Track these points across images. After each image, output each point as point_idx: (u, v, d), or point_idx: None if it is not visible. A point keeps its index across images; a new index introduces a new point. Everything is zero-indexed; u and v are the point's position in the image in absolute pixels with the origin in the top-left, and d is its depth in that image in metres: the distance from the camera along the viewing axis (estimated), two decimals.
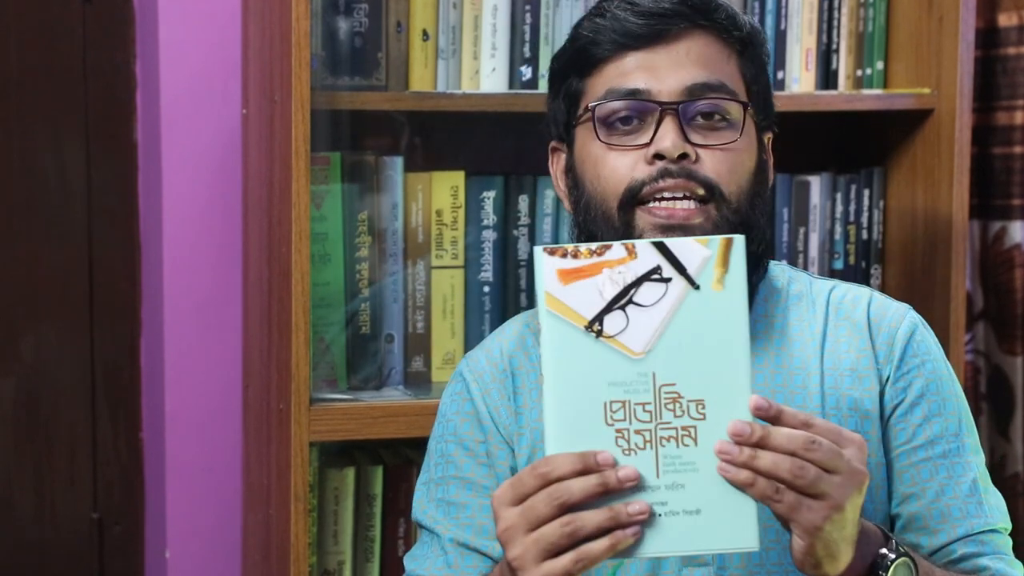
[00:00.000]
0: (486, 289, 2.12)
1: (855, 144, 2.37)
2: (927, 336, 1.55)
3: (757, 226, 1.48)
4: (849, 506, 1.23)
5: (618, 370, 1.23)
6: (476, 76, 2.07)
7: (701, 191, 1.45)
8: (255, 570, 2.19)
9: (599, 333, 1.24)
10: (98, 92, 2.35)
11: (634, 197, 1.45)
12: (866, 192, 2.28)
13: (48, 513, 2.39)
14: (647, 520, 1.22)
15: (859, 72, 2.27)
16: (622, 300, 1.24)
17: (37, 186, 2.35)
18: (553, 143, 1.58)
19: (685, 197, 1.44)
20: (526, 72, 2.08)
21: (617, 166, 1.46)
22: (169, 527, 2.30)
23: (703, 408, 1.23)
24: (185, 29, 2.23)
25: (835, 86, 2.25)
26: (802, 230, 2.25)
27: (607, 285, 1.24)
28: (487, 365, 1.57)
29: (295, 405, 1.92)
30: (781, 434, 1.21)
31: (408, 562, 1.57)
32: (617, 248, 1.24)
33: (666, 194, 1.44)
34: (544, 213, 2.12)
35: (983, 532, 1.48)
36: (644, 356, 1.23)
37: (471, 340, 2.09)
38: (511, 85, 2.08)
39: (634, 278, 1.24)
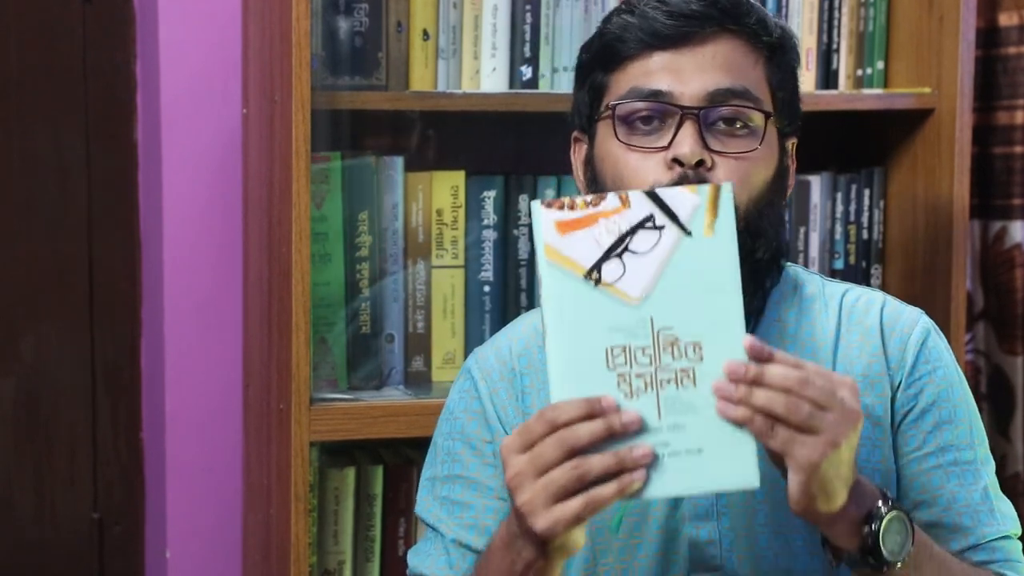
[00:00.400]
0: (486, 289, 2.12)
1: (855, 144, 2.37)
2: (939, 342, 1.55)
3: (764, 235, 1.47)
4: (844, 444, 1.24)
5: (617, 316, 1.26)
6: (476, 76, 2.07)
7: None
8: (255, 570, 2.19)
9: (598, 281, 1.26)
10: (98, 92, 2.35)
11: None
12: (866, 192, 2.28)
13: (48, 513, 2.39)
14: (651, 462, 1.24)
15: (859, 72, 2.27)
16: (618, 248, 1.27)
17: (37, 186, 2.35)
18: (576, 133, 1.57)
19: None
20: (526, 72, 2.08)
21: (638, 168, 1.45)
22: (169, 527, 2.30)
23: (700, 350, 1.25)
24: (185, 29, 2.23)
25: (835, 86, 2.25)
26: (802, 230, 2.25)
27: (603, 234, 1.27)
28: (496, 363, 1.57)
29: (295, 405, 1.92)
30: (775, 372, 1.24)
31: (411, 557, 1.57)
32: (611, 199, 1.27)
33: None
34: None
35: (994, 540, 1.48)
36: (642, 301, 1.26)
37: (471, 340, 2.09)
38: (511, 85, 2.08)
39: (629, 227, 1.27)
